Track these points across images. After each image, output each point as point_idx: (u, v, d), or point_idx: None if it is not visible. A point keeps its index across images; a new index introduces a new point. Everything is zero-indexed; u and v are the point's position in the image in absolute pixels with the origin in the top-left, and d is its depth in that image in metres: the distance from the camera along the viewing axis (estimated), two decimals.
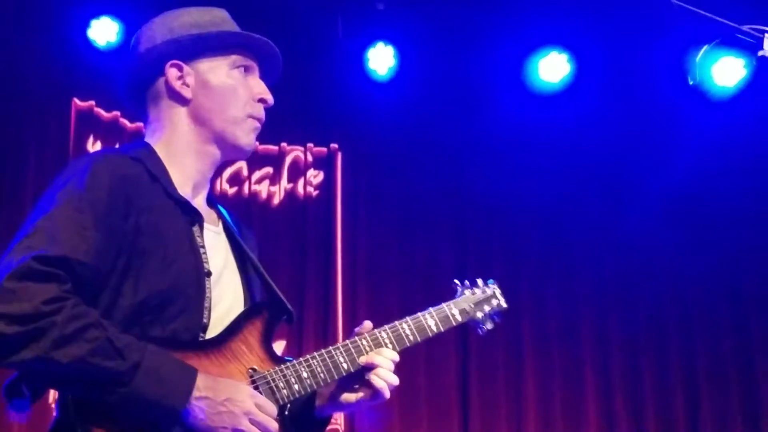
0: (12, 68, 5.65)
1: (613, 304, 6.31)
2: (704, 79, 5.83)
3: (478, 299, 2.59)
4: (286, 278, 5.81)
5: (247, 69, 2.33)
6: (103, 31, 5.65)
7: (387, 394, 2.30)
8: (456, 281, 2.62)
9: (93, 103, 5.80)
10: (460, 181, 6.23)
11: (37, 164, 5.59)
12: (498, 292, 2.66)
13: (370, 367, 2.28)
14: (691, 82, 5.57)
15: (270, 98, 2.35)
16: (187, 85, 2.26)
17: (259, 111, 2.33)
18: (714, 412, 6.20)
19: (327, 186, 6.19)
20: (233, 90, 2.29)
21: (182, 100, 2.27)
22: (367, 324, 2.36)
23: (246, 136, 2.31)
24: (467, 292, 2.60)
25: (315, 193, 6.18)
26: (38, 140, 5.70)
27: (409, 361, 5.95)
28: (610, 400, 6.17)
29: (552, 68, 6.07)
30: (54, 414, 2.04)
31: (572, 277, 6.28)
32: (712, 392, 6.23)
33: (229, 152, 2.33)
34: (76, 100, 5.81)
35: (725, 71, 5.84)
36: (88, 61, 5.69)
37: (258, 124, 2.33)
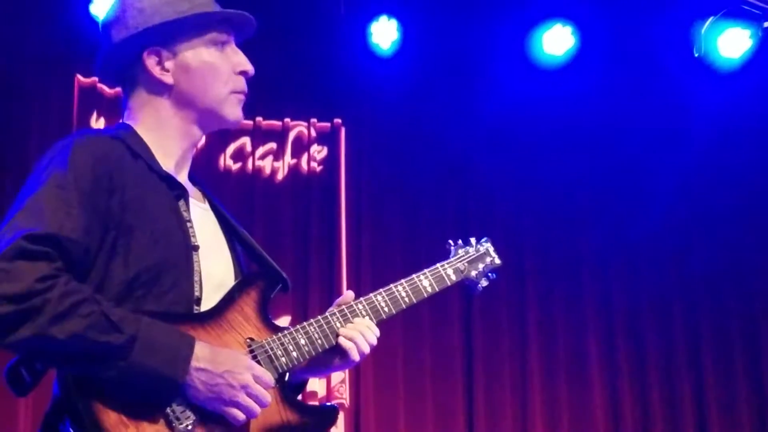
0: (14, 45, 5.63)
1: (617, 282, 6.29)
2: (710, 50, 5.79)
3: (472, 257, 2.60)
4: (290, 254, 5.82)
5: (224, 43, 2.29)
6: (105, 7, 5.59)
7: (357, 358, 2.30)
8: (450, 241, 2.63)
9: (96, 79, 5.78)
10: (463, 155, 6.21)
11: (40, 142, 5.58)
12: (491, 249, 2.65)
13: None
14: (696, 54, 5.54)
15: (250, 69, 2.32)
16: (167, 71, 2.24)
17: (241, 84, 2.30)
18: (719, 392, 6.20)
19: (331, 161, 6.18)
20: (214, 69, 2.26)
21: (163, 86, 2.24)
22: (349, 294, 2.37)
23: (232, 111, 2.29)
24: (461, 251, 2.60)
25: (319, 168, 6.17)
26: (41, 117, 5.70)
27: (413, 335, 6.00)
28: (614, 380, 6.17)
29: (556, 41, 6.02)
30: (54, 392, 2.04)
31: (576, 253, 6.27)
32: (718, 373, 6.22)
33: (216, 127, 2.35)
34: (79, 77, 5.80)
35: (731, 42, 5.80)
36: (90, 38, 5.67)
37: (242, 97, 2.31)
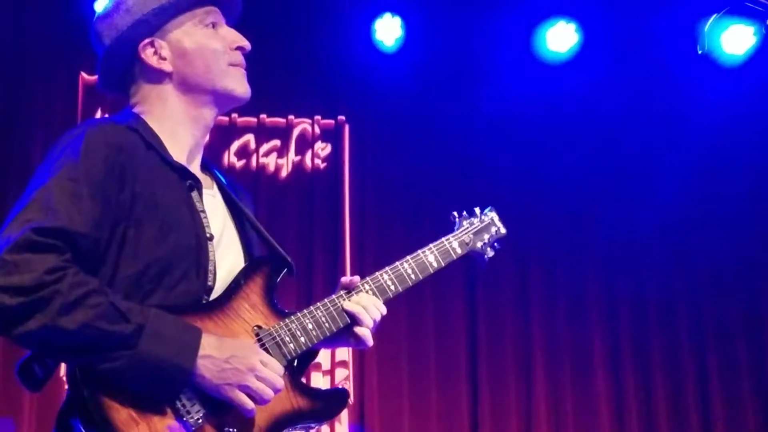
0: (19, 44, 5.65)
1: (621, 278, 6.29)
2: (713, 47, 5.79)
3: (477, 228, 2.56)
4: (294, 251, 5.80)
5: (215, 23, 2.30)
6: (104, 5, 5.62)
7: (370, 342, 2.29)
8: (454, 213, 2.59)
9: None
10: (467, 151, 6.21)
11: (44, 139, 5.60)
12: (496, 218, 2.62)
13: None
14: (700, 51, 5.54)
15: (246, 44, 2.32)
16: (165, 59, 2.24)
17: (239, 58, 2.30)
18: (724, 387, 6.20)
19: (335, 158, 6.18)
20: (210, 47, 2.26)
21: (164, 75, 2.25)
22: (356, 277, 2.34)
23: (239, 84, 2.29)
24: (465, 223, 2.57)
25: (323, 165, 6.17)
26: (46, 115, 5.72)
27: (417, 332, 6.00)
28: (619, 376, 6.17)
29: (560, 38, 6.03)
30: (67, 391, 2.04)
31: (581, 250, 6.27)
32: (722, 368, 6.22)
33: (225, 105, 2.33)
34: (84, 74, 5.82)
35: (734, 39, 5.80)
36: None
37: (243, 70, 2.31)
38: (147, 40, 2.24)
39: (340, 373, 5.76)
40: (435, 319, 6.04)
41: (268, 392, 2.04)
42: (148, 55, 2.24)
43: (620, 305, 6.27)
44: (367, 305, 2.28)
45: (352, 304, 2.27)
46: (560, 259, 6.28)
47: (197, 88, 2.26)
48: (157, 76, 2.25)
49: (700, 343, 6.26)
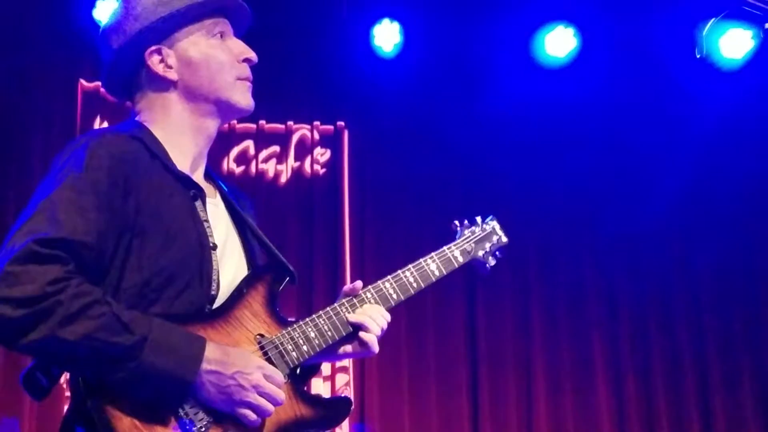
0: (18, 50, 5.65)
1: (621, 281, 6.30)
2: (712, 51, 5.80)
3: (478, 237, 2.59)
4: (294, 257, 5.81)
5: (223, 34, 2.30)
6: (108, 12, 5.61)
7: (376, 349, 2.31)
8: (455, 222, 2.61)
9: (99, 83, 5.80)
10: (467, 157, 6.22)
11: (44, 146, 5.60)
12: (497, 227, 2.65)
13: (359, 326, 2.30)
14: (698, 55, 5.55)
15: (253, 56, 2.32)
16: (171, 67, 2.24)
17: (246, 71, 2.31)
18: (724, 389, 6.20)
19: (334, 164, 6.19)
20: (216, 58, 2.26)
21: (169, 83, 2.25)
22: (358, 283, 2.36)
23: (243, 97, 2.29)
24: (467, 231, 2.60)
25: (322, 171, 6.18)
26: (45, 122, 5.72)
27: (417, 339, 5.99)
28: (619, 379, 6.18)
29: (558, 43, 6.04)
30: (70, 399, 2.04)
31: (581, 254, 6.28)
32: (723, 371, 6.23)
33: (229, 116, 2.34)
34: (83, 81, 5.82)
35: (733, 43, 5.81)
36: (93, 42, 5.67)
37: (249, 84, 2.31)
38: (154, 48, 2.24)
39: (341, 379, 5.76)
40: (435, 322, 6.04)
41: (270, 407, 2.05)
42: (154, 62, 2.24)
43: (620, 306, 6.28)
44: (373, 314, 2.31)
45: (357, 315, 2.29)
46: (560, 261, 6.28)
47: (201, 98, 2.25)
48: (163, 84, 2.25)
49: (700, 343, 6.27)
